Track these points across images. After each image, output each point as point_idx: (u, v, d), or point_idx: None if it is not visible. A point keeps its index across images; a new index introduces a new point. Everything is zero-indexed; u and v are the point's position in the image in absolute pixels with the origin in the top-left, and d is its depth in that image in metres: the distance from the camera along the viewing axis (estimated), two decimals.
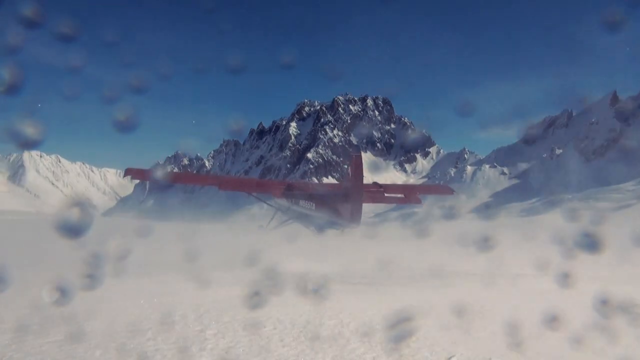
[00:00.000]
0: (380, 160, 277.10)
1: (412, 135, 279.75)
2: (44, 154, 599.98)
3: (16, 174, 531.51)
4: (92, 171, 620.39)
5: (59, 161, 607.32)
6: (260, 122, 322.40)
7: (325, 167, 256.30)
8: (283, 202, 30.18)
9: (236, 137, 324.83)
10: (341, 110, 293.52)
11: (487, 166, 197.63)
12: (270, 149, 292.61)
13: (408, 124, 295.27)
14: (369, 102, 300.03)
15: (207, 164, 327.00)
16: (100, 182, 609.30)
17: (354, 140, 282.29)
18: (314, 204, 26.93)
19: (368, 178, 27.98)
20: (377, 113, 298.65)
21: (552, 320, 10.22)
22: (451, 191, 35.93)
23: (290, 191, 29.22)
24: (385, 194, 31.69)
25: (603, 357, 8.83)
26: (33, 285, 11.44)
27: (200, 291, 11.73)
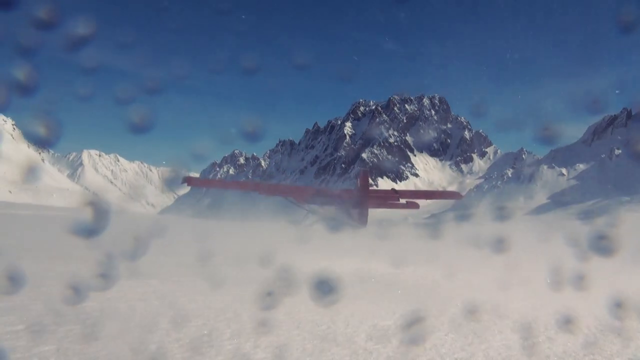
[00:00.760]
0: (436, 160, 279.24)
1: (468, 135, 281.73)
2: (103, 153, 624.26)
3: (75, 172, 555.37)
4: (150, 170, 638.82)
5: (118, 160, 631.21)
6: (316, 122, 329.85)
7: (380, 167, 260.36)
8: (309, 205, 38.47)
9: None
10: (397, 110, 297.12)
11: (545, 167, 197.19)
12: (325, 149, 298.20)
13: (465, 123, 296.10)
14: (425, 101, 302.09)
15: (263, 163, 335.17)
16: (158, 180, 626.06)
17: (409, 140, 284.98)
18: (332, 208, 35.55)
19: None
20: (433, 112, 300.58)
21: None
22: (460, 196, 44.70)
23: (314, 196, 37.89)
24: (398, 200, 38.67)
25: None
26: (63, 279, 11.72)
27: (215, 290, 11.97)
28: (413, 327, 10.16)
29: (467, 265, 20.17)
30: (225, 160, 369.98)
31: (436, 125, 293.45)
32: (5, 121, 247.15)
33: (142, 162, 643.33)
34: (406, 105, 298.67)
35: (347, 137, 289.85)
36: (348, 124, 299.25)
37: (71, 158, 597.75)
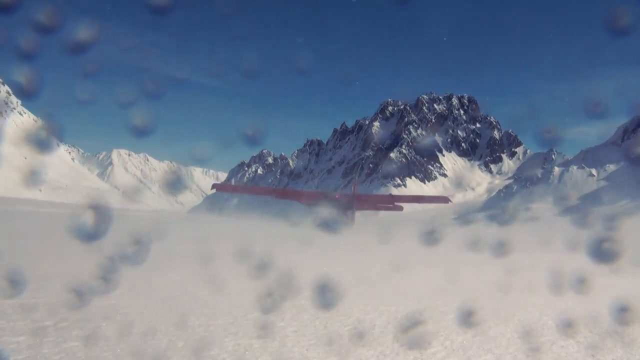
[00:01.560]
0: (465, 160, 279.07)
1: (497, 134, 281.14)
2: (133, 153, 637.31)
3: (105, 171, 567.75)
4: (180, 169, 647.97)
5: (147, 160, 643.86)
6: (344, 122, 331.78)
7: (408, 167, 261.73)
8: (314, 207, 49.81)
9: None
10: (425, 110, 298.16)
11: (575, 167, 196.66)
12: (353, 149, 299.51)
13: (494, 123, 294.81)
14: (454, 100, 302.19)
15: (290, 163, 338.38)
16: (187, 180, 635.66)
17: (438, 139, 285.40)
18: (329, 209, 44.98)
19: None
20: (462, 112, 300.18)
21: None
22: (447, 200, 52.64)
23: (317, 200, 50.06)
24: (391, 204, 51.51)
25: None
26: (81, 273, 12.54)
27: (216, 291, 12.05)
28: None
29: (471, 266, 21.00)
30: (253, 160, 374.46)
31: (465, 125, 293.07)
32: (35, 121, 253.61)
33: (171, 162, 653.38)
34: (435, 105, 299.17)
35: (375, 136, 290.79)
36: (376, 123, 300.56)
37: (101, 157, 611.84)
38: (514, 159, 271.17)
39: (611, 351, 9.58)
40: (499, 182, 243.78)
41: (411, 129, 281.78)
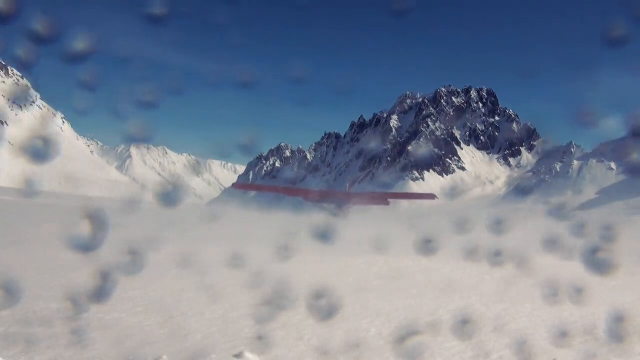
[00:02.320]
0: (483, 154, 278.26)
1: (516, 128, 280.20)
2: (151, 146, 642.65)
3: (123, 164, 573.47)
4: (198, 162, 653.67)
5: (166, 153, 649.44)
6: (361, 115, 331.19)
7: (426, 161, 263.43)
8: (317, 202, 59.09)
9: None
10: (444, 103, 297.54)
11: (594, 161, 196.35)
12: (371, 142, 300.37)
13: (513, 116, 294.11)
14: (473, 93, 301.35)
15: (308, 156, 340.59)
16: (206, 173, 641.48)
17: (457, 133, 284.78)
18: (329, 203, 54.35)
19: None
20: (480, 105, 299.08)
21: None
22: (433, 197, 61.33)
23: (318, 197, 60.61)
24: (384, 200, 61.22)
25: None
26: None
27: (213, 299, 12.01)
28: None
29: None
30: (271, 153, 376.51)
31: (484, 118, 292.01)
32: (55, 115, 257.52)
33: (189, 155, 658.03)
34: (453, 98, 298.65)
35: (394, 130, 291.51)
36: (394, 117, 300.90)
37: (120, 150, 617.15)
38: (532, 152, 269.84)
39: None
40: (518, 175, 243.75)
41: (429, 122, 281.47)
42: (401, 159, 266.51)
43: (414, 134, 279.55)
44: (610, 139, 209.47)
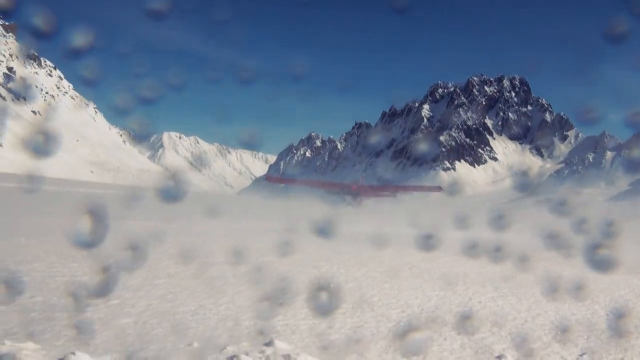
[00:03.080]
0: (516, 144, 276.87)
1: (549, 117, 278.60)
2: (183, 135, 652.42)
3: (155, 154, 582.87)
4: (229, 152, 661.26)
5: (197, 142, 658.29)
6: (392, 105, 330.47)
7: (457, 151, 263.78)
8: (337, 194, 70.91)
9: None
10: (476, 92, 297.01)
11: (628, 151, 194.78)
12: (402, 132, 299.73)
13: (546, 105, 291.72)
14: (505, 82, 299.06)
15: (339, 146, 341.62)
16: (237, 162, 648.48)
17: (489, 122, 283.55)
18: (345, 194, 67.78)
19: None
20: (513, 94, 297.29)
21: None
22: (439, 189, 77.87)
23: (338, 189, 72.66)
24: (392, 193, 76.30)
25: None
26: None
27: (216, 295, 11.32)
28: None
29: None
30: (302, 143, 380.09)
31: (516, 107, 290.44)
32: (87, 104, 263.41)
33: (220, 144, 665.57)
34: (485, 87, 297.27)
35: (425, 119, 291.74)
36: (426, 106, 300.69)
37: (152, 140, 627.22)
38: (565, 142, 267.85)
39: None
40: (550, 166, 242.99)
41: (461, 112, 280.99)
42: (432, 149, 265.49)
43: (446, 124, 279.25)
44: None
